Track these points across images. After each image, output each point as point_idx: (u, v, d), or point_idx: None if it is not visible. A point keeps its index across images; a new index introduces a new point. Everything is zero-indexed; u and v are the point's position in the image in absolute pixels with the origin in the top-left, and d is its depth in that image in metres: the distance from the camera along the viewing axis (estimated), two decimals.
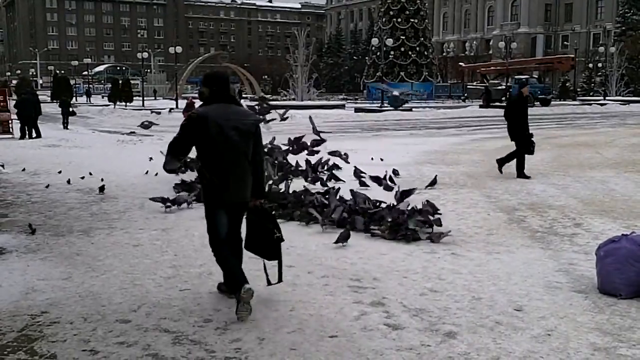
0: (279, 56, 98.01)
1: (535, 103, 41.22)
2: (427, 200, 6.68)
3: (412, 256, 5.35)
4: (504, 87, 44.74)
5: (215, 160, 3.89)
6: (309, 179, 8.94)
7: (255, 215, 4.12)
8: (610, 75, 53.21)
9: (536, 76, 50.42)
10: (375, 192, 7.80)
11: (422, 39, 53.98)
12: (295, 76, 38.83)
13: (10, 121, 18.41)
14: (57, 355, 3.39)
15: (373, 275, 4.80)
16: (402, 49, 52.70)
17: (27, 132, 17.91)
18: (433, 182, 9.06)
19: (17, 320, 3.89)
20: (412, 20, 53.08)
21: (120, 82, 46.79)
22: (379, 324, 3.81)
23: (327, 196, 7.16)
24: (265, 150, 7.02)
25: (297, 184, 8.27)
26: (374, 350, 3.44)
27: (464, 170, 10.92)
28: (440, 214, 6.60)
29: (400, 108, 34.80)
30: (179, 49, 48.10)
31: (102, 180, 9.25)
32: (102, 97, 56.30)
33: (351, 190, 7.22)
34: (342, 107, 37.39)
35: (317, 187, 8.26)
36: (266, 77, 78.45)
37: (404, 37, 52.57)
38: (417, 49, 53.37)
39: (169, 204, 7.31)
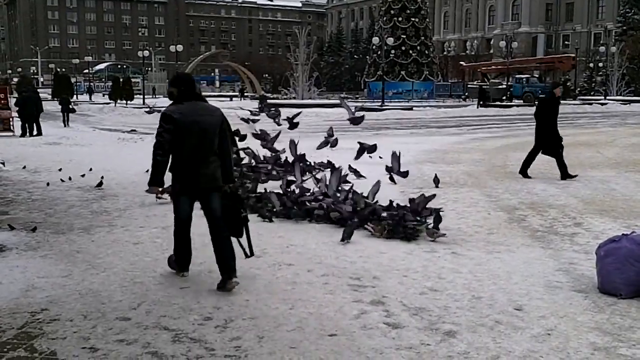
0: (280, 55, 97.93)
1: (536, 102, 41.31)
2: (423, 194, 6.66)
3: (412, 255, 5.35)
4: (504, 86, 44.75)
5: (186, 152, 4.32)
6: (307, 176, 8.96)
7: (224, 199, 4.53)
8: (611, 74, 53.17)
9: (537, 76, 50.45)
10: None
11: (423, 38, 53.87)
12: (296, 75, 38.83)
13: (11, 119, 18.42)
14: (57, 352, 3.39)
15: (373, 273, 4.80)
16: (403, 48, 52.61)
17: (28, 130, 17.92)
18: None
19: (17, 317, 3.90)
20: (413, 19, 52.98)
21: (121, 80, 46.79)
22: (378, 322, 3.81)
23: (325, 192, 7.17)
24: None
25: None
26: (373, 349, 3.44)
27: (464, 169, 10.92)
28: (441, 210, 6.58)
29: (400, 108, 34.86)
30: (179, 48, 48.12)
31: (102, 178, 9.25)
32: (103, 95, 56.30)
33: (354, 192, 7.20)
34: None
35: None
36: (267, 75, 78.41)
37: (404, 36, 52.48)
38: (418, 48, 53.28)
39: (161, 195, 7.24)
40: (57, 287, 4.49)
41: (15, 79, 66.01)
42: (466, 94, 50.72)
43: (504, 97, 43.11)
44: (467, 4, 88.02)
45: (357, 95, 59.18)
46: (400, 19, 52.68)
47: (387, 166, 9.68)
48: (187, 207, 4.57)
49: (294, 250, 5.50)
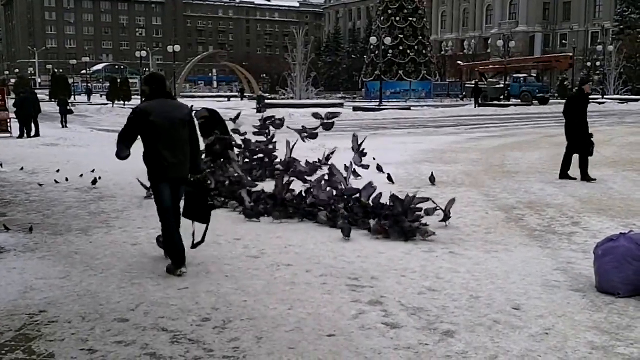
0: (278, 55, 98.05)
1: (534, 102, 41.31)
2: (408, 194, 6.65)
3: (410, 255, 5.35)
4: (502, 85, 44.76)
5: (158, 145, 4.70)
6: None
7: (192, 187, 4.95)
8: (609, 74, 53.24)
9: (534, 75, 50.46)
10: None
11: (421, 37, 53.91)
12: (294, 75, 38.81)
13: (8, 120, 18.39)
14: (55, 354, 3.39)
15: (371, 274, 4.80)
16: (401, 48, 52.63)
17: (25, 131, 17.89)
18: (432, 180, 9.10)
19: (15, 319, 3.89)
20: (410, 19, 53.01)
21: (119, 81, 46.73)
22: (377, 322, 3.81)
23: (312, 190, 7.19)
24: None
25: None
26: (372, 349, 3.44)
27: (462, 168, 10.93)
28: (436, 208, 6.58)
29: (398, 107, 34.88)
30: (177, 48, 48.09)
31: (99, 178, 9.26)
32: (101, 96, 56.23)
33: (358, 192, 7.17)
34: (341, 105, 37.37)
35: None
36: (265, 75, 78.37)
37: (402, 36, 52.51)
38: (416, 47, 53.32)
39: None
40: (55, 288, 4.48)
41: (13, 80, 65.89)
42: (464, 93, 50.77)
43: (502, 97, 43.11)
44: (465, 3, 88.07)
45: (355, 95, 59.18)
46: (397, 18, 52.71)
47: (378, 165, 9.84)
48: (168, 194, 4.82)
49: (293, 250, 5.50)
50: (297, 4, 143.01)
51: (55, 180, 9.46)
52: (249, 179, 8.41)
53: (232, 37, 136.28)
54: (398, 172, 10.12)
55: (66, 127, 22.03)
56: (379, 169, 9.99)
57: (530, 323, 3.80)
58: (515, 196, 8.21)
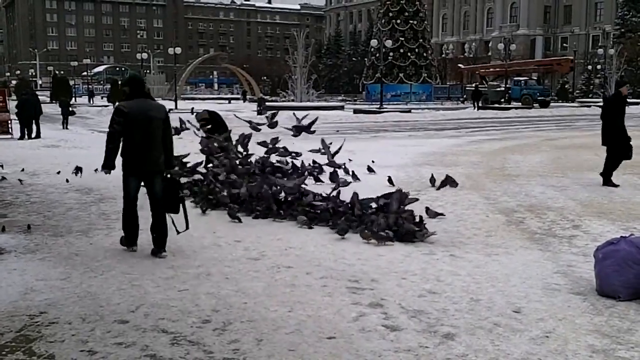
0: (278, 57, 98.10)
1: (534, 105, 41.32)
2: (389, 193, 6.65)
3: (410, 257, 5.35)
4: (502, 88, 44.77)
5: (135, 140, 5.20)
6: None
7: (164, 182, 5.41)
8: (610, 77, 53.21)
9: (535, 78, 50.48)
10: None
11: (421, 40, 53.89)
12: (295, 77, 38.84)
13: (9, 121, 18.40)
14: (56, 355, 3.39)
15: (371, 276, 4.80)
16: (401, 51, 52.60)
17: (26, 133, 17.90)
18: (444, 183, 8.97)
19: (16, 320, 3.89)
20: (411, 21, 53.00)
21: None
22: (377, 325, 3.81)
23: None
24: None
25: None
26: (372, 351, 3.44)
27: (462, 171, 10.93)
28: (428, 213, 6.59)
29: (398, 110, 34.94)
30: (178, 50, 48.04)
31: (95, 170, 9.35)
32: (102, 97, 56.24)
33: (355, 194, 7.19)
34: (341, 108, 37.40)
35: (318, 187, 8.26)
36: (265, 78, 78.41)
37: (403, 39, 52.49)
38: (416, 50, 53.29)
39: None
40: (55, 289, 4.49)
41: (14, 82, 65.92)
42: (464, 96, 50.77)
43: (503, 100, 43.12)
44: (466, 6, 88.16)
45: (356, 98, 59.21)
46: (398, 21, 52.70)
47: (368, 166, 9.99)
48: (134, 187, 5.42)
49: (293, 252, 5.51)
50: (298, 7, 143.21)
51: (58, 172, 9.55)
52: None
53: (233, 39, 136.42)
54: (398, 175, 10.12)
55: (67, 128, 22.04)
56: (370, 169, 10.03)
57: (531, 326, 3.80)
58: (516, 199, 8.21)
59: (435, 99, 51.93)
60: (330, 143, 10.14)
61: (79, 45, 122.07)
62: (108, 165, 5.32)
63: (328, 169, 9.63)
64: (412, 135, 20.33)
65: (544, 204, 7.88)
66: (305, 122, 9.88)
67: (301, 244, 5.77)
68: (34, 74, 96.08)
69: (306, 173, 8.95)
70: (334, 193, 7.10)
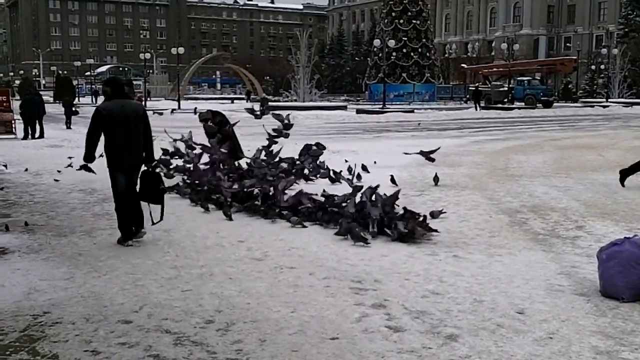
0: (281, 57, 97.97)
1: (538, 105, 41.24)
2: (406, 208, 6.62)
3: (413, 258, 5.35)
4: (505, 88, 44.70)
5: (116, 138, 5.61)
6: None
7: (145, 175, 5.85)
8: (613, 77, 53.11)
9: (539, 78, 50.40)
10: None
11: (424, 40, 53.86)
12: (297, 77, 38.85)
13: (13, 121, 18.45)
14: (59, 355, 3.40)
15: (374, 277, 4.80)
16: (404, 50, 52.57)
17: (30, 133, 17.95)
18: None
19: (20, 320, 3.90)
20: (414, 21, 52.97)
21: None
22: (380, 326, 3.81)
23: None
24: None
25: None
26: (375, 352, 3.44)
27: (465, 171, 10.92)
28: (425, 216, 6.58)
29: (401, 110, 34.93)
30: (181, 50, 48.11)
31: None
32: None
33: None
34: (344, 108, 37.40)
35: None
36: (268, 78, 78.41)
37: (406, 39, 52.47)
38: (419, 50, 53.26)
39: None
40: (59, 289, 4.50)
41: (17, 82, 66.08)
42: (467, 96, 50.73)
43: (506, 100, 43.04)
44: (469, 6, 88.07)
45: (359, 98, 59.21)
46: (401, 21, 52.68)
47: (362, 165, 10.04)
48: (122, 181, 5.72)
49: (296, 253, 5.51)
50: (301, 6, 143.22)
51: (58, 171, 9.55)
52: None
53: (236, 39, 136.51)
54: (401, 175, 10.11)
55: (70, 128, 22.10)
56: (364, 168, 10.03)
57: (534, 327, 3.79)
58: (519, 199, 8.19)
59: (438, 99, 51.90)
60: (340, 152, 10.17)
61: (82, 45, 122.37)
62: (88, 159, 5.79)
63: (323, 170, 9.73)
64: (414, 135, 20.32)
65: (547, 204, 7.86)
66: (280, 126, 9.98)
67: (304, 245, 5.78)
68: (37, 73, 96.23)
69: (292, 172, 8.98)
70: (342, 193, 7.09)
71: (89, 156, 5.78)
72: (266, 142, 9.34)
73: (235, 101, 53.95)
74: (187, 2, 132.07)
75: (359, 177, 9.57)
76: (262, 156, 9.12)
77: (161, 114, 32.10)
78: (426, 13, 55.29)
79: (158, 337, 3.63)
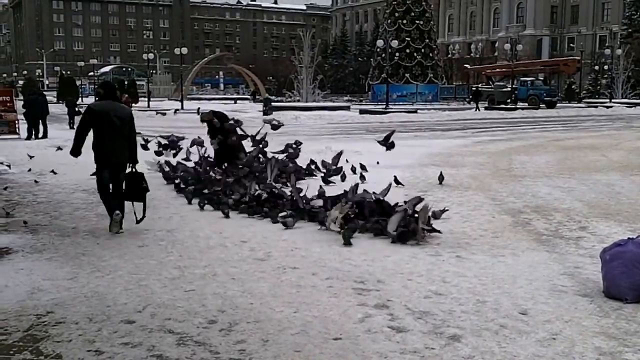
0: (284, 57, 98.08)
1: (541, 105, 41.17)
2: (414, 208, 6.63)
3: (416, 258, 5.34)
4: (509, 89, 44.64)
5: (104, 137, 6.11)
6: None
7: (129, 175, 6.33)
8: (617, 77, 52.99)
9: (542, 78, 50.31)
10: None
11: (428, 40, 53.87)
12: (300, 77, 38.88)
13: (16, 121, 18.50)
14: (63, 355, 3.41)
15: (377, 277, 4.80)
16: (407, 51, 52.59)
17: (33, 133, 17.99)
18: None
19: (23, 320, 3.91)
20: (417, 21, 53.00)
21: (126, 83, 46.88)
22: (383, 326, 3.81)
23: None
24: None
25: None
26: (378, 352, 3.43)
27: (468, 172, 10.91)
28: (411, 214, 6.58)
29: (404, 110, 34.93)
30: (184, 50, 48.15)
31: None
32: None
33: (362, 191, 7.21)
34: (347, 108, 37.41)
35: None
36: (271, 78, 78.51)
37: (409, 39, 52.48)
38: (423, 50, 53.27)
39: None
40: (62, 289, 4.51)
41: (21, 82, 66.26)
42: (470, 96, 50.69)
43: (509, 100, 42.98)
44: (472, 6, 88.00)
45: (362, 98, 59.22)
46: (404, 21, 52.69)
47: (352, 166, 10.15)
48: (107, 175, 6.29)
49: (299, 253, 5.51)
50: (304, 7, 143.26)
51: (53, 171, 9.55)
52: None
53: (239, 39, 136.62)
54: (404, 175, 10.10)
55: (73, 128, 22.12)
56: (353, 170, 10.03)
57: (537, 328, 3.78)
58: (522, 200, 8.18)
59: (441, 100, 51.88)
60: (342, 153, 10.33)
61: (85, 45, 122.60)
62: (75, 153, 6.26)
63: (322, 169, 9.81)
64: (418, 135, 20.30)
65: (550, 205, 7.85)
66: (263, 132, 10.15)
67: (307, 245, 5.78)
68: (40, 74, 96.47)
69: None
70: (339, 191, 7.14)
71: (76, 150, 6.22)
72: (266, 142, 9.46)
73: (238, 101, 54.01)
74: (190, 3, 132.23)
75: (362, 177, 9.59)
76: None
77: (164, 114, 32.16)
78: (429, 13, 55.31)
79: (161, 337, 3.63)
